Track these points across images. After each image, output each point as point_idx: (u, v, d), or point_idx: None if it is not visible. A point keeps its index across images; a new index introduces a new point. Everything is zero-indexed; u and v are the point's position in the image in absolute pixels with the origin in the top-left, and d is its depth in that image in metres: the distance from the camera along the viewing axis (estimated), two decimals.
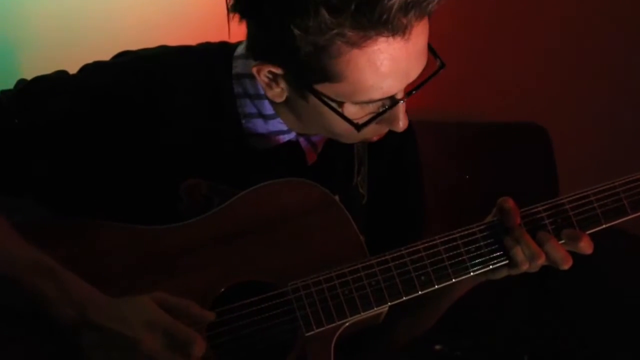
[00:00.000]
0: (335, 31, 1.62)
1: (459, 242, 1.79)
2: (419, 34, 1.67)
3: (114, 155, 1.78)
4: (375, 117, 1.73)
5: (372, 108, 1.73)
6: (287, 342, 1.74)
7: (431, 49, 1.73)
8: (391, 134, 1.85)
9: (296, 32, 1.62)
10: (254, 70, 1.74)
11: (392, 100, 1.72)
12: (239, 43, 1.85)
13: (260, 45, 1.73)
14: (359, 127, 1.72)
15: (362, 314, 1.75)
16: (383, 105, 1.73)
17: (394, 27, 1.62)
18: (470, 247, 1.79)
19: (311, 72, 1.68)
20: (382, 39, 1.63)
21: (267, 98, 1.81)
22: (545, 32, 3.01)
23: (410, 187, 2.03)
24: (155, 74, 1.80)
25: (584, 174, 2.85)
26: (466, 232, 1.80)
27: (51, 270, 1.66)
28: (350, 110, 1.72)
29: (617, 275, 2.63)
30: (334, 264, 1.76)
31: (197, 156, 1.81)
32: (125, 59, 1.86)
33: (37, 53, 2.72)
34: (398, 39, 1.64)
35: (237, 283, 1.76)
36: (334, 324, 1.74)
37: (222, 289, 1.75)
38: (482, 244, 1.79)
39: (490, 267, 1.79)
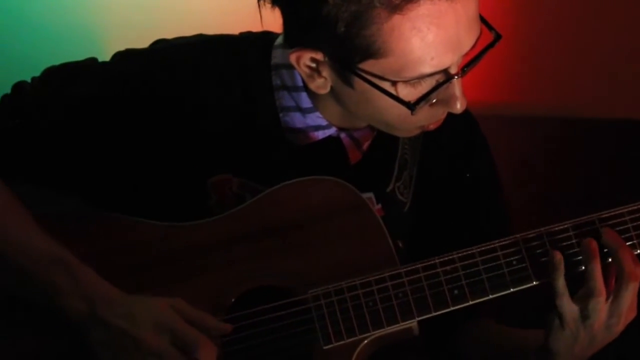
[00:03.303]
0: None
1: (499, 252, 1.63)
2: None
3: (138, 146, 1.71)
4: (429, 92, 1.59)
5: (425, 87, 1.59)
6: (303, 355, 1.63)
7: (484, 21, 1.60)
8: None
9: (331, 0, 1.52)
10: (293, 58, 1.63)
11: (447, 75, 1.59)
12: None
13: (295, 27, 1.62)
14: (411, 106, 1.59)
15: (387, 328, 1.62)
16: (437, 82, 1.60)
17: None
18: (511, 259, 1.62)
19: (352, 49, 1.56)
20: (425, 1, 1.52)
21: (306, 90, 1.71)
22: None
23: (484, 191, 1.87)
24: (185, 63, 1.73)
25: None
26: (509, 242, 1.64)
27: (66, 263, 1.63)
28: (401, 92, 1.59)
29: None
30: (360, 271, 1.64)
31: (230, 151, 1.73)
32: (157, 47, 1.78)
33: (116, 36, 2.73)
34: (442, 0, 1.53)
35: (255, 287, 1.66)
36: (354, 338, 1.62)
37: (240, 293, 1.66)
38: (525, 255, 1.63)
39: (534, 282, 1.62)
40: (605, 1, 2.83)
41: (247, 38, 1.78)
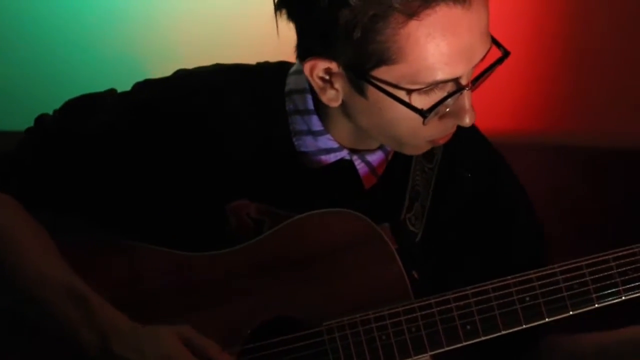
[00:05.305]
0: None
1: (512, 289, 1.63)
2: (480, 6, 1.59)
3: (157, 173, 1.74)
4: (440, 102, 1.61)
5: (436, 97, 1.62)
6: None
7: (493, 39, 1.63)
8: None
9: (352, 2, 1.55)
10: (307, 69, 1.65)
11: (457, 86, 1.61)
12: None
13: (312, 35, 1.64)
14: (424, 113, 1.61)
15: None
16: (448, 93, 1.62)
17: None
18: (524, 296, 1.63)
19: (367, 55, 1.59)
20: (441, 7, 1.56)
21: (317, 113, 1.74)
22: None
23: (512, 219, 1.84)
24: (202, 91, 1.76)
25: None
26: (522, 279, 1.64)
27: (81, 295, 1.66)
28: (414, 100, 1.62)
29: None
30: (375, 304, 1.66)
31: (247, 177, 1.76)
32: (175, 76, 1.82)
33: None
34: (459, 7, 1.56)
35: (272, 318, 1.68)
36: None
37: (257, 324, 1.68)
38: (538, 292, 1.63)
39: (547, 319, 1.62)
40: None
41: (262, 67, 1.81)
